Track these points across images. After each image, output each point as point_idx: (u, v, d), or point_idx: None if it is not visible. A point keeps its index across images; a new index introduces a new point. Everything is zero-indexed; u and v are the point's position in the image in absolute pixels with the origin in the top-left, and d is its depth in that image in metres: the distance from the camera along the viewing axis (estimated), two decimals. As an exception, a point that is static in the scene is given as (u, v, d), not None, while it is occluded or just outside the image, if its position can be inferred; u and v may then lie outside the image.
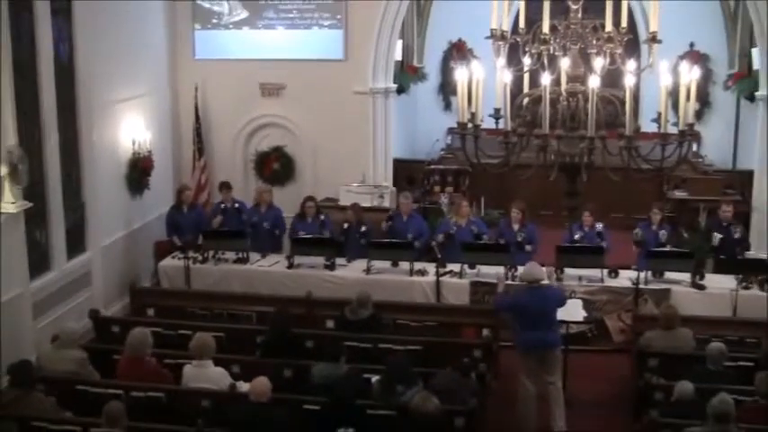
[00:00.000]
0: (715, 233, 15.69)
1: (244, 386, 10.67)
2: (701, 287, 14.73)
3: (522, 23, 9.62)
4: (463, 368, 11.09)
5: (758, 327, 13.41)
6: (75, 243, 15.15)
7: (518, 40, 9.65)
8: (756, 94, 18.60)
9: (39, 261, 14.07)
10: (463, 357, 11.61)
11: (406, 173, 20.77)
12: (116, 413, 9.38)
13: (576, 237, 15.46)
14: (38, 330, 13.43)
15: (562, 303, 12.53)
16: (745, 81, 20.96)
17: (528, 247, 15.57)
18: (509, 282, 14.82)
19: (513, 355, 12.62)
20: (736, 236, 15.71)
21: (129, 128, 16.83)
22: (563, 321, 12.74)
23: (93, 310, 13.74)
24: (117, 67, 16.28)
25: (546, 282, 12.85)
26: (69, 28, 14.93)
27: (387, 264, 15.59)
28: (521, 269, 14.73)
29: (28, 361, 10.87)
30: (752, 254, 17.04)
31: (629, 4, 9.75)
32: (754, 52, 19.44)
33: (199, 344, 11.08)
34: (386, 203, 18.04)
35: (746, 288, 14.51)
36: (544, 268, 13.07)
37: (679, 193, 19.30)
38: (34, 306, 13.56)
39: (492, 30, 9.62)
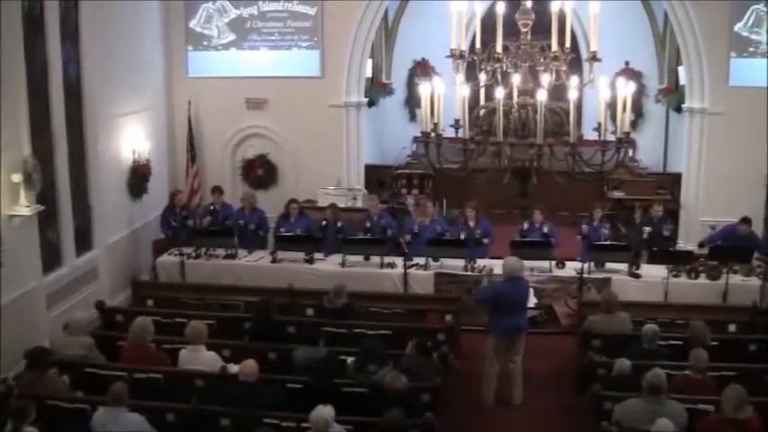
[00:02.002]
0: (645, 227, 15.88)
1: (233, 368, 10.65)
2: (637, 276, 14.80)
3: (478, 44, 9.60)
4: (425, 350, 11.09)
5: (686, 310, 13.54)
6: (83, 241, 15.06)
7: (475, 58, 9.64)
8: (683, 106, 18.66)
9: (51, 258, 13.97)
10: (428, 340, 11.61)
11: (377, 177, 20.72)
12: (121, 392, 9.38)
13: (526, 230, 15.56)
14: (51, 319, 13.36)
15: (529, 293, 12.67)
16: (673, 95, 21.10)
17: (485, 240, 15.64)
18: (468, 273, 14.89)
19: (473, 338, 12.64)
20: (666, 233, 15.87)
21: (130, 139, 16.72)
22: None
23: (100, 301, 13.67)
24: (119, 85, 16.20)
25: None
26: (77, 52, 14.86)
27: (360, 258, 15.58)
28: (480, 262, 14.84)
29: (43, 347, 10.87)
30: (680, 246, 17.16)
31: (572, 27, 9.75)
32: (681, 70, 19.54)
33: (193, 331, 11.08)
34: (359, 204, 18.01)
35: (676, 276, 14.62)
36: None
37: (617, 194, 19.38)
38: (47, 298, 13.50)
39: (452, 50, 9.60)
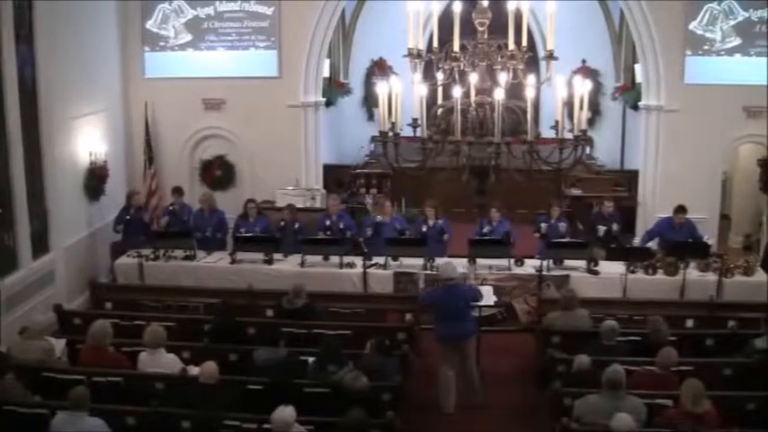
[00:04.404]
0: (599, 226, 16.03)
1: (194, 370, 10.62)
2: (596, 272, 14.93)
3: (435, 43, 9.62)
4: (384, 349, 11.10)
5: (644, 306, 13.71)
6: (40, 245, 14.89)
7: (432, 57, 9.65)
8: (639, 103, 18.83)
9: (7, 262, 13.84)
10: (387, 339, 11.60)
11: (335, 177, 20.73)
12: (82, 397, 9.28)
13: (485, 230, 15.59)
14: (8, 324, 13.22)
15: (476, 299, 12.48)
16: (629, 93, 21.25)
17: (445, 236, 15.69)
18: (428, 272, 14.91)
19: (433, 338, 12.63)
20: (614, 228, 16.05)
21: (87, 141, 16.60)
22: (477, 306, 12.75)
23: (57, 305, 13.58)
24: (75, 86, 16.07)
25: (459, 278, 12.76)
26: (32, 53, 14.65)
27: (319, 258, 15.56)
28: (439, 260, 14.89)
29: (0, 351, 10.73)
30: (637, 242, 17.30)
31: (528, 26, 9.79)
32: (637, 68, 19.67)
33: (151, 336, 11.01)
34: (317, 204, 18.02)
35: (633, 272, 14.73)
36: (461, 261, 13.14)
37: (575, 191, 19.47)
38: (4, 302, 13.35)
39: (409, 49, 9.61)
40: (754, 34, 17.33)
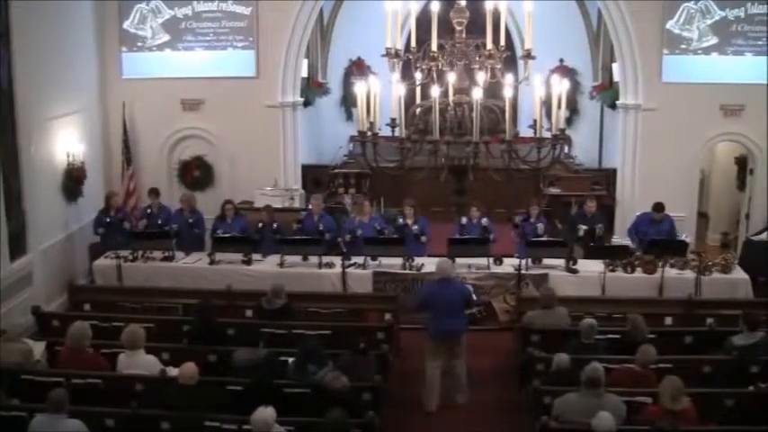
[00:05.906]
0: (580, 225, 16.03)
1: (173, 371, 10.59)
2: (574, 271, 14.97)
3: (413, 43, 9.63)
4: (360, 350, 11.11)
5: (623, 304, 13.75)
6: (18, 246, 14.80)
7: (410, 57, 9.65)
8: (617, 102, 18.90)
9: (-16, 264, 13.79)
10: (367, 339, 11.59)
11: (314, 177, 20.72)
12: (60, 399, 9.24)
13: (464, 229, 15.60)
14: (-15, 327, 13.17)
15: (468, 297, 12.58)
16: (607, 92, 21.35)
17: (423, 238, 15.70)
18: (407, 271, 14.93)
19: (412, 336, 12.67)
20: (599, 232, 16.06)
21: (64, 142, 16.54)
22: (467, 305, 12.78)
23: (35, 307, 13.52)
24: (52, 87, 16.00)
25: (455, 277, 12.78)
26: (8, 53, 14.56)
27: (298, 258, 15.55)
28: (418, 260, 14.89)
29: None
30: (617, 240, 17.37)
31: (506, 25, 9.81)
32: (614, 67, 19.76)
33: (129, 336, 10.97)
34: (296, 204, 18.03)
35: (612, 271, 14.77)
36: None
37: (554, 190, 19.54)
38: (-18, 304, 13.33)
39: (387, 48, 9.60)
40: (731, 33, 17.44)
